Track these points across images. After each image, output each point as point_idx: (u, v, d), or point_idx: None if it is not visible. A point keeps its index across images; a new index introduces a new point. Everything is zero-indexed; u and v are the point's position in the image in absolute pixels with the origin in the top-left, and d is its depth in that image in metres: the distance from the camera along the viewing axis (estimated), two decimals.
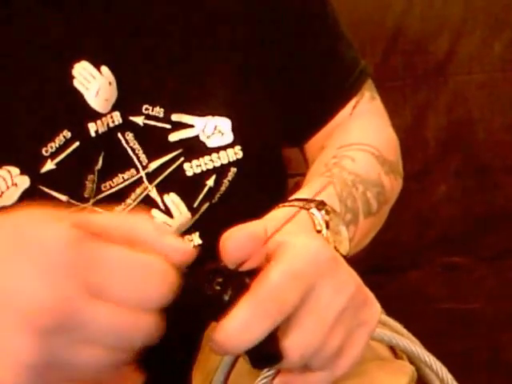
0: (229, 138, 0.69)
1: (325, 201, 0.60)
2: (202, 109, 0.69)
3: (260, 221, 0.51)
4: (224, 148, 0.69)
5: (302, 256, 0.46)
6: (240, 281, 0.44)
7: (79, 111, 0.66)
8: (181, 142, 0.69)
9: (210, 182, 0.70)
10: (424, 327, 1.05)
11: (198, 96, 0.69)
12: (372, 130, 0.79)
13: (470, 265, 1.46)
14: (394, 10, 1.34)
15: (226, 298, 0.43)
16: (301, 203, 0.59)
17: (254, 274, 0.45)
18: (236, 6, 0.71)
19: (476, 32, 1.36)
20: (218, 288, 0.43)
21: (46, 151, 0.65)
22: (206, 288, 0.43)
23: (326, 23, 0.78)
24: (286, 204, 0.60)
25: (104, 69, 0.66)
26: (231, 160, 0.70)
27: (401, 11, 1.34)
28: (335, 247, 0.58)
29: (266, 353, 0.45)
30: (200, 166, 0.69)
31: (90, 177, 0.67)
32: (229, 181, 0.71)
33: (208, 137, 0.69)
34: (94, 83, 0.66)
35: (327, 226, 0.58)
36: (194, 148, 0.69)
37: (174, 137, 0.68)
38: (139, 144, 0.68)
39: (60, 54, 0.65)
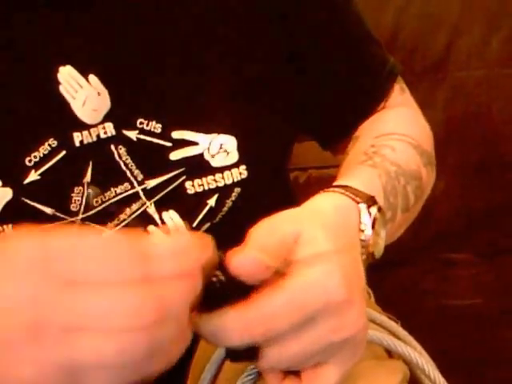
0: (234, 157, 0.67)
1: (375, 197, 0.57)
2: (206, 125, 0.66)
3: (297, 223, 0.48)
4: (229, 168, 0.67)
5: (314, 292, 0.45)
6: (240, 283, 0.44)
7: (65, 119, 0.63)
8: (183, 161, 0.66)
9: (212, 202, 0.67)
10: (422, 323, 1.05)
11: (201, 112, 0.66)
12: (407, 120, 0.76)
13: (467, 261, 1.46)
14: (392, 7, 1.33)
15: (221, 293, 0.44)
16: (351, 194, 0.56)
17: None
18: (246, 18, 0.67)
19: (474, 28, 1.35)
20: (215, 280, 0.44)
21: (30, 161, 0.63)
22: (205, 278, 0.43)
23: (350, 23, 0.74)
24: (336, 190, 0.56)
25: (92, 78, 0.63)
26: (235, 180, 0.67)
27: (399, 8, 1.33)
28: (371, 251, 0.56)
29: (241, 350, 0.45)
30: (202, 185, 0.66)
31: (78, 189, 0.64)
32: (232, 201, 0.68)
33: (213, 156, 0.66)
34: (80, 92, 0.63)
35: (373, 226, 0.55)
36: (198, 167, 0.66)
37: (175, 155, 0.66)
38: (132, 159, 0.65)
39: (45, 56, 0.63)
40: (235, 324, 0.43)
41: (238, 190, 0.68)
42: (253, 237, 0.46)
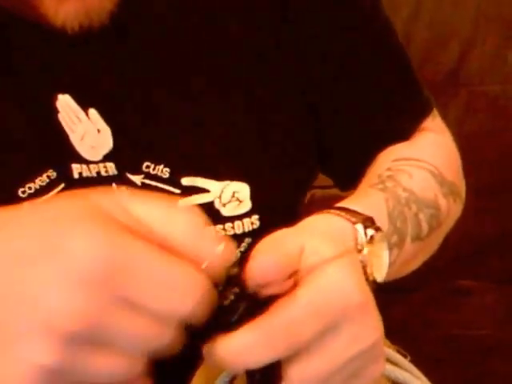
0: (246, 206, 0.65)
1: (374, 218, 0.56)
2: (219, 172, 0.64)
3: (298, 236, 0.48)
4: (240, 217, 0.65)
5: (333, 294, 0.43)
6: (256, 298, 0.43)
7: (63, 150, 0.62)
8: None
9: None
10: (429, 353, 1.08)
11: (214, 157, 0.64)
12: (432, 146, 0.73)
13: (479, 289, 1.45)
14: (401, 16, 1.32)
15: (237, 311, 0.43)
16: (347, 214, 0.55)
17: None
18: (261, 60, 0.65)
19: (488, 40, 1.35)
20: (232, 298, 0.43)
21: (23, 192, 0.61)
22: (219, 297, 0.42)
23: (390, 58, 0.72)
24: (332, 211, 0.55)
25: (92, 112, 0.61)
26: (246, 230, 0.65)
27: (408, 17, 1.33)
28: (371, 273, 0.54)
29: (264, 375, 0.44)
30: None
31: None
32: (241, 251, 0.65)
33: (224, 204, 0.64)
34: (79, 126, 0.61)
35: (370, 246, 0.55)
36: (207, 216, 0.64)
37: (183, 202, 0.63)
38: None
39: (44, 82, 0.61)
40: (257, 339, 0.41)
41: (248, 240, 0.66)
42: (259, 253, 0.46)
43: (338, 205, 0.58)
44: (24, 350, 0.36)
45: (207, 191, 0.64)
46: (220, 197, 0.64)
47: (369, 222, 0.55)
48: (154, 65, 0.63)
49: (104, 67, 0.62)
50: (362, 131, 0.72)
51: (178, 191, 0.64)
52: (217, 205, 0.64)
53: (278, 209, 0.68)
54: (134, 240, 0.37)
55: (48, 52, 0.61)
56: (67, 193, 0.40)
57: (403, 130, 0.73)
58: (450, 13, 1.33)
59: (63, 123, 0.62)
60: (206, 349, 0.42)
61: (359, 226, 0.53)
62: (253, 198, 0.65)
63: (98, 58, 0.61)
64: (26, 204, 0.42)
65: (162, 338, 0.38)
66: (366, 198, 0.62)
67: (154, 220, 0.39)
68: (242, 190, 0.65)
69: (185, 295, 0.38)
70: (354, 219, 0.54)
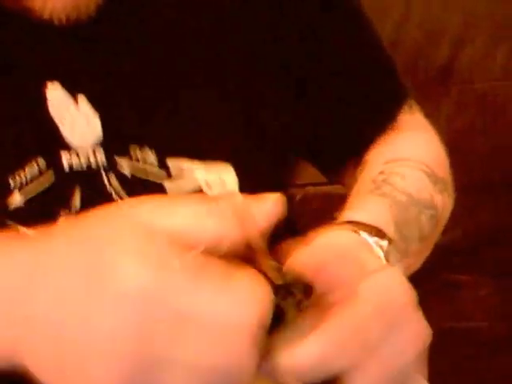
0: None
1: (383, 229, 0.55)
2: (204, 154, 0.64)
3: (312, 252, 0.46)
4: None
5: (392, 292, 0.43)
6: (297, 296, 0.41)
7: (54, 140, 0.61)
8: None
9: None
10: None
11: (198, 139, 0.64)
12: (419, 144, 0.74)
13: (473, 282, 1.44)
14: (391, 17, 1.32)
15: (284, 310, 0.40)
16: (355, 227, 0.53)
17: (308, 292, 0.42)
18: (249, 47, 0.66)
19: (477, 39, 1.35)
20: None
21: (14, 181, 0.60)
22: None
23: (361, 44, 0.75)
24: (339, 227, 0.54)
25: (81, 99, 0.61)
26: None
27: (399, 18, 1.33)
28: None
29: None
30: None
31: (65, 212, 0.62)
32: None
33: (211, 189, 0.64)
34: (68, 117, 0.61)
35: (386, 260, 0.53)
36: None
37: (172, 187, 0.64)
38: (127, 194, 0.63)
39: (34, 69, 0.61)
40: (328, 347, 0.39)
41: None
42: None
43: (346, 217, 0.57)
44: (96, 372, 0.36)
45: (193, 175, 0.64)
46: (207, 182, 0.64)
47: (380, 235, 0.54)
48: (144, 52, 0.63)
49: (93, 54, 0.62)
50: (344, 117, 0.73)
51: (164, 173, 0.63)
52: (205, 190, 0.64)
53: (265, 192, 0.68)
54: (182, 256, 0.36)
55: (37, 39, 0.60)
56: (99, 210, 0.39)
57: (383, 115, 0.74)
58: (440, 13, 1.32)
59: (54, 114, 0.61)
60: (264, 360, 0.39)
61: (371, 240, 0.53)
62: (240, 182, 0.65)
63: (88, 45, 0.61)
64: (60, 227, 0.41)
65: (230, 351, 0.37)
66: (370, 208, 0.61)
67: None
68: (229, 174, 0.65)
69: (248, 308, 0.37)
70: (364, 230, 0.53)
